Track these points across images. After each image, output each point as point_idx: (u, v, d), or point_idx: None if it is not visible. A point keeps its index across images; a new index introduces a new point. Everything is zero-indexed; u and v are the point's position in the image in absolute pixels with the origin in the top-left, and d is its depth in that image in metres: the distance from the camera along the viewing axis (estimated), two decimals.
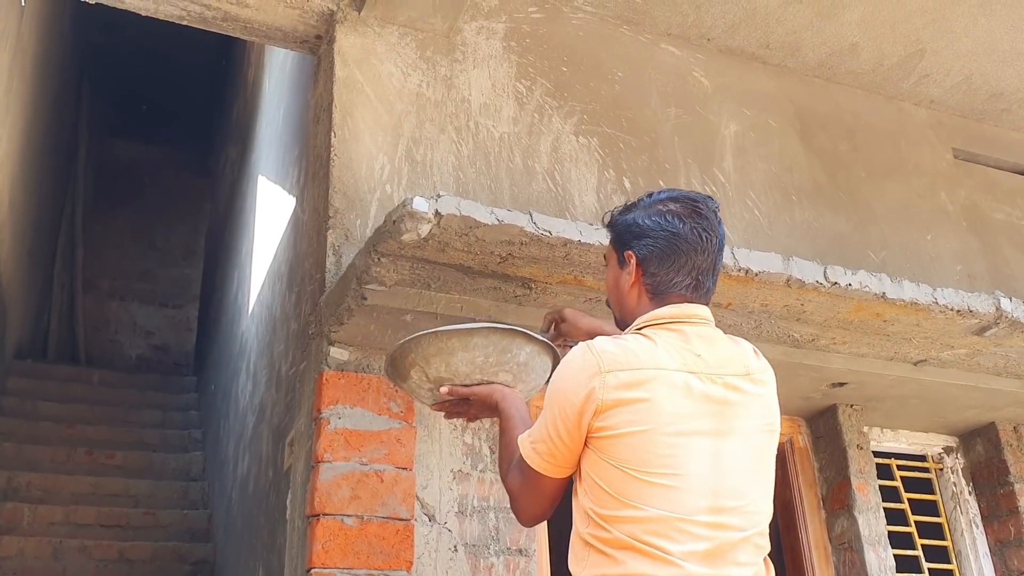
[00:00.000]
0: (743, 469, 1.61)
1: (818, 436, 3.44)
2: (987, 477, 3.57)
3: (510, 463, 1.75)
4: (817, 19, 3.52)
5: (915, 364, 3.09)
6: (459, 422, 2.68)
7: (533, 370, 2.02)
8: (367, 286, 2.38)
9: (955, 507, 3.56)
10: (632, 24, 3.53)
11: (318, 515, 2.38)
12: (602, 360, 1.60)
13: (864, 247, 3.56)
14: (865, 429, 3.40)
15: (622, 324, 1.82)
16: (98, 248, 10.01)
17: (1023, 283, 3.77)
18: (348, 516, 2.40)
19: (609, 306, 1.90)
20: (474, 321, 2.21)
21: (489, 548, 2.58)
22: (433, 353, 1.94)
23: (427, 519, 2.54)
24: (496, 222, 2.22)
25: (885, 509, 3.32)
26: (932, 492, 3.57)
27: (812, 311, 2.75)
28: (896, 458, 3.55)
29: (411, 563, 2.43)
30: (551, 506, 1.71)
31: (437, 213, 2.17)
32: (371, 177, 2.84)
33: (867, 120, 3.88)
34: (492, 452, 2.70)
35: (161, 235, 10.73)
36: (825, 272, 2.63)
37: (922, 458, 3.65)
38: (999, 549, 3.47)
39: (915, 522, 3.43)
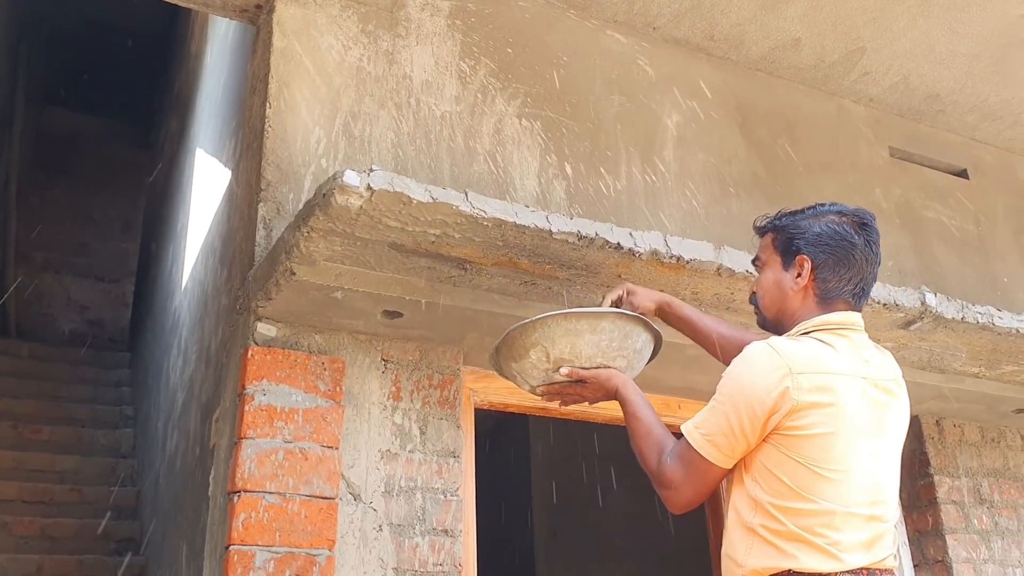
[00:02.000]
0: (891, 467, 1.79)
1: None
2: (910, 469, 3.65)
3: (658, 449, 1.81)
4: (761, 12, 3.55)
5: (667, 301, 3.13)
6: (389, 400, 2.66)
7: (643, 358, 2.12)
8: (296, 261, 2.34)
9: None
10: (579, 9, 3.52)
11: (239, 492, 2.34)
12: (792, 362, 1.70)
13: None
14: None
15: (773, 323, 1.93)
16: (33, 220, 9.73)
17: (952, 280, 3.86)
18: (270, 493, 2.37)
19: (755, 304, 1.99)
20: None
21: (415, 528, 2.57)
22: (561, 334, 1.99)
23: (352, 498, 2.51)
24: (430, 200, 2.20)
25: None
26: None
27: (743, 300, 2.78)
28: None
29: (333, 542, 2.41)
30: (711, 494, 1.80)
31: (369, 188, 2.14)
32: (306, 151, 2.79)
33: (807, 115, 3.92)
34: (422, 433, 2.69)
35: (99, 208, 10.48)
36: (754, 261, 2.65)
37: None
38: (917, 538, 3.55)
39: None
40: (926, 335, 3.00)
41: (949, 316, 2.90)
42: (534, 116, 3.24)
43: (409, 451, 2.64)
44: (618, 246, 2.45)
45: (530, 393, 2.18)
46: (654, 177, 3.42)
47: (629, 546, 6.48)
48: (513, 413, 3.59)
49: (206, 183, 4.42)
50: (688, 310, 2.27)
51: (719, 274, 2.63)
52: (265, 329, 2.56)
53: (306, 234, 2.26)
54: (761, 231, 2.02)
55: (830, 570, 1.62)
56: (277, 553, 2.32)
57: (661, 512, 6.55)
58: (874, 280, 1.93)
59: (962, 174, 4.26)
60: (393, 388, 2.69)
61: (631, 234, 2.48)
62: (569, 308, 2.04)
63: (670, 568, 6.21)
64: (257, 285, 2.53)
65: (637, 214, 3.29)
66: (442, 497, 2.63)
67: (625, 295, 2.27)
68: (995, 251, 4.13)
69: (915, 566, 3.54)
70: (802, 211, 1.95)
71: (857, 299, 1.89)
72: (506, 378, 2.20)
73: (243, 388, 2.47)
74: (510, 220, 2.28)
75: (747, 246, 3.26)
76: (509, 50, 3.30)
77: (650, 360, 2.21)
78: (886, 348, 3.09)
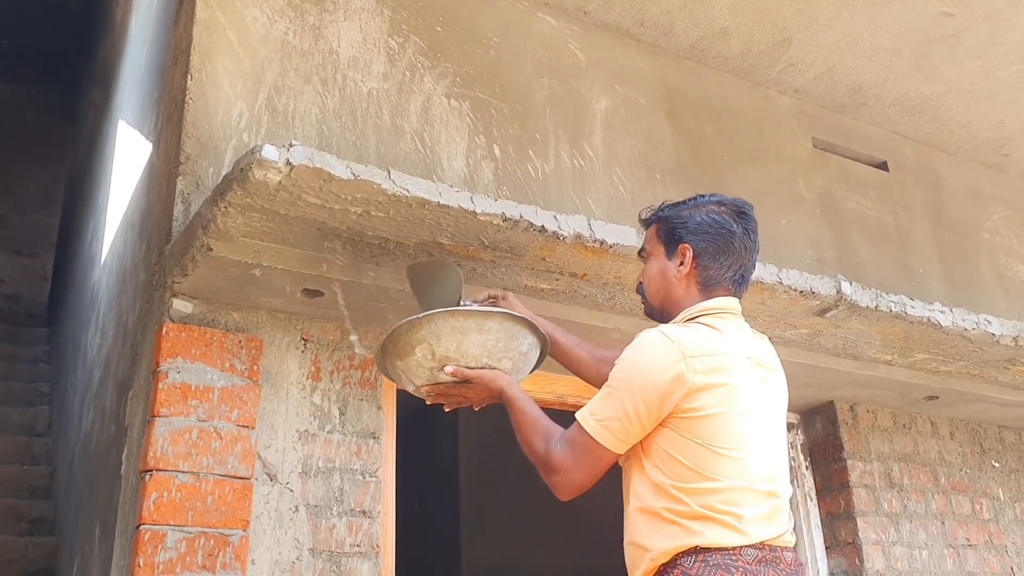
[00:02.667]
0: (780, 444, 1.86)
1: None
2: (823, 453, 3.75)
3: (545, 437, 1.85)
4: (691, 0, 3.58)
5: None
6: (308, 380, 2.63)
7: (529, 362, 2.12)
8: (213, 237, 2.29)
9: (793, 480, 3.73)
10: None
11: (151, 470, 2.29)
12: (684, 346, 1.76)
13: None
14: None
15: (659, 311, 1.99)
16: None
17: (869, 270, 3.96)
18: (183, 472, 2.32)
19: (642, 294, 2.04)
20: (467, 304, 2.15)
21: (332, 509, 2.55)
22: (447, 331, 1.98)
23: (268, 478, 2.48)
24: (351, 177, 2.17)
25: None
26: None
27: None
28: None
29: (248, 522, 2.37)
30: (600, 478, 1.83)
31: (288, 163, 2.10)
32: (227, 124, 2.73)
33: (733, 105, 3.97)
34: (341, 414, 2.66)
35: (18, 180, 10.11)
36: None
37: None
38: (829, 521, 3.65)
39: None
40: (841, 323, 3.07)
41: (863, 304, 2.97)
42: (463, 96, 3.22)
43: (328, 432, 2.62)
44: (542, 229, 2.45)
45: (414, 394, 2.16)
46: (582, 162, 3.44)
47: (555, 527, 6.54)
48: None
49: (128, 155, 4.30)
50: (551, 327, 2.27)
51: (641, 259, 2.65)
52: (181, 306, 2.51)
53: (223, 209, 2.22)
54: (646, 223, 2.07)
55: (736, 544, 1.67)
56: (189, 533, 2.28)
57: (585, 494, 6.59)
58: (753, 267, 1.99)
59: (882, 166, 4.36)
60: (312, 368, 2.66)
61: (555, 217, 2.48)
62: (455, 307, 2.03)
63: (596, 549, 6.28)
64: (173, 260, 2.47)
65: (565, 198, 3.30)
66: (361, 478, 2.61)
67: (500, 299, 2.28)
68: (912, 243, 4.25)
69: (827, 548, 3.64)
70: (683, 202, 2.01)
71: (737, 285, 1.96)
72: (391, 379, 2.17)
73: (157, 365, 2.42)
74: (434, 200, 2.27)
75: None
76: (439, 28, 3.27)
77: (536, 367, 2.21)
78: (802, 335, 3.18)
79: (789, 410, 3.77)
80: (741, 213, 1.98)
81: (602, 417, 1.78)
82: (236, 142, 2.72)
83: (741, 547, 1.67)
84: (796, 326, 3.11)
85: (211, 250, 2.31)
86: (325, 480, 2.57)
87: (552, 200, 3.24)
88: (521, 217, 2.39)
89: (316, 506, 2.53)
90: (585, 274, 2.71)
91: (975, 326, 3.19)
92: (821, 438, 3.74)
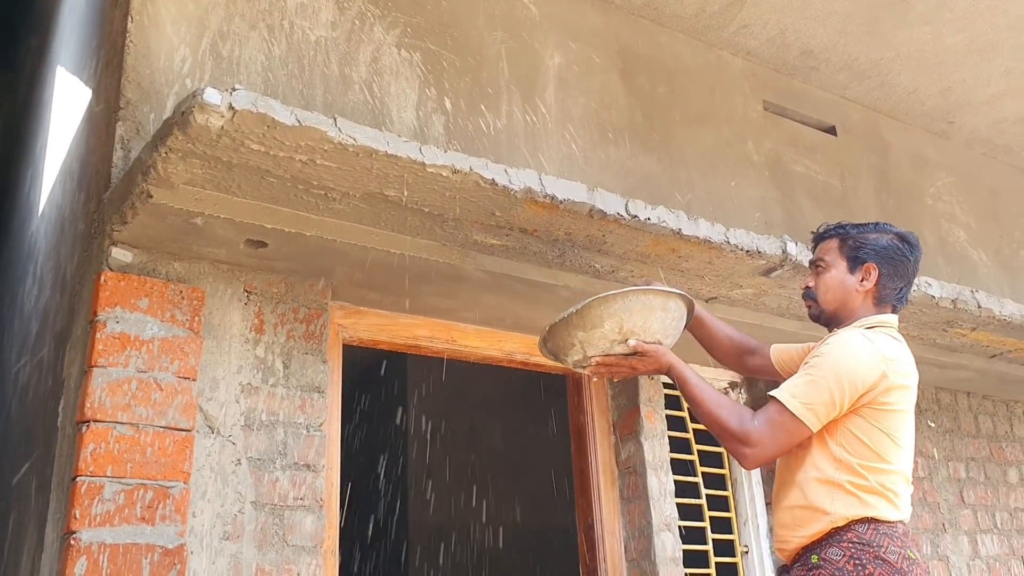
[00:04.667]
0: (913, 445, 2.15)
1: None
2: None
3: (737, 414, 2.06)
4: None
5: (707, 301, 3.23)
6: (252, 333, 2.60)
7: (680, 336, 2.32)
8: (153, 183, 2.23)
9: None
10: None
11: (88, 422, 2.24)
12: (883, 350, 2.06)
13: (672, 188, 3.67)
14: None
15: (829, 316, 2.26)
16: None
17: None
18: (122, 424, 2.28)
19: (812, 298, 2.30)
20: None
21: (275, 463, 2.53)
22: (639, 308, 2.16)
23: (210, 431, 2.45)
24: (296, 123, 2.12)
25: (671, 437, 3.49)
26: None
27: (613, 243, 2.81)
28: None
29: (189, 475, 2.34)
30: (786, 452, 2.09)
31: (231, 108, 2.05)
32: (169, 69, 2.65)
33: (686, 65, 3.97)
34: (286, 367, 2.63)
35: None
36: (627, 205, 2.68)
37: None
38: (769, 478, 3.72)
39: (698, 451, 3.61)
40: (786, 282, 3.11)
41: (808, 264, 3.00)
42: (414, 47, 3.16)
43: (271, 385, 2.59)
44: (493, 183, 2.43)
45: (574, 365, 2.29)
46: (535, 118, 3.41)
47: (500, 487, 6.59)
48: (392, 353, 3.56)
49: (67, 103, 4.16)
50: (705, 313, 2.55)
51: (591, 216, 2.64)
52: (120, 254, 2.44)
53: (164, 154, 2.15)
54: (823, 236, 2.34)
55: (896, 518, 2.00)
56: (128, 485, 2.24)
57: (531, 452, 6.63)
58: (910, 289, 2.29)
59: (831, 131, 4.40)
60: (256, 320, 2.62)
61: (506, 171, 2.46)
62: (646, 287, 2.24)
63: (539, 509, 6.34)
64: (112, 208, 2.41)
65: (516, 154, 3.27)
66: (305, 432, 2.59)
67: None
68: (857, 206, 4.30)
69: (767, 504, 3.71)
70: (866, 225, 2.29)
71: (899, 303, 2.26)
72: (553, 354, 2.30)
73: (95, 315, 2.36)
74: (381, 149, 2.22)
75: (625, 193, 3.31)
76: None
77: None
78: (747, 294, 3.22)
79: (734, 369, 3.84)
80: (914, 245, 2.27)
81: (807, 401, 2.01)
82: (179, 88, 2.64)
83: (898, 521, 2.00)
84: (742, 286, 3.14)
85: (151, 197, 2.25)
86: (268, 433, 2.54)
87: (504, 156, 3.21)
88: (471, 170, 2.36)
89: (259, 459, 2.50)
90: (535, 230, 2.70)
91: (916, 288, 3.25)
92: (763, 397, 3.78)
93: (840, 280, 2.24)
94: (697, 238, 2.80)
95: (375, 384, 7.10)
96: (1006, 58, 4.26)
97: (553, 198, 2.55)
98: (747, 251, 2.89)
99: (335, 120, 2.18)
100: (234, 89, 2.06)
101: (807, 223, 4.04)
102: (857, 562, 1.92)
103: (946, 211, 4.77)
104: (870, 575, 1.90)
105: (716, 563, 3.50)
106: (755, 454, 2.02)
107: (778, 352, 2.48)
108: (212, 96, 2.02)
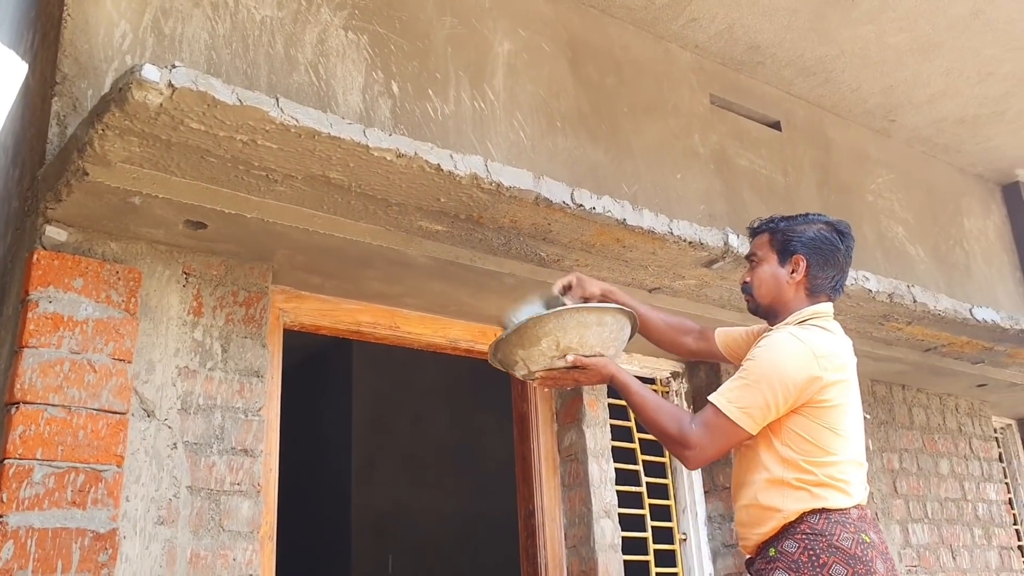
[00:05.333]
0: (862, 425, 2.21)
1: None
2: (705, 400, 3.84)
3: (677, 419, 2.13)
4: None
5: (650, 291, 3.26)
6: (190, 316, 2.56)
7: (625, 344, 2.39)
8: (89, 161, 2.18)
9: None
10: None
11: (18, 403, 2.19)
12: (813, 347, 2.09)
13: (619, 179, 3.69)
14: None
15: (766, 310, 2.29)
16: None
17: None
18: (53, 406, 2.23)
19: (748, 292, 2.33)
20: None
21: (212, 447, 2.49)
22: (573, 325, 2.23)
23: (145, 414, 2.40)
24: (237, 103, 2.09)
25: (613, 426, 3.51)
26: None
27: (558, 232, 2.82)
28: None
29: (122, 458, 2.30)
30: (726, 454, 2.19)
31: (171, 85, 2.01)
32: (109, 45, 2.59)
33: (635, 56, 3.99)
34: (224, 351, 2.60)
35: None
36: (572, 194, 2.69)
37: (652, 380, 3.88)
38: (708, 466, 3.76)
39: (639, 439, 3.65)
40: (727, 274, 3.14)
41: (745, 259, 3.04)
42: (361, 30, 3.13)
43: (209, 369, 2.55)
44: (438, 168, 2.42)
45: (524, 378, 2.37)
46: (483, 105, 3.40)
47: (444, 474, 6.59)
48: (338, 339, 3.52)
49: (2, 78, 4.04)
50: (626, 298, 2.54)
51: (537, 204, 2.65)
52: (54, 233, 2.38)
53: (100, 131, 2.10)
54: (756, 231, 2.37)
55: (847, 505, 2.06)
56: (58, 468, 2.19)
57: (477, 440, 6.62)
58: (846, 279, 2.32)
59: (775, 126, 4.46)
60: (195, 303, 2.58)
61: (451, 156, 2.45)
62: (578, 304, 2.31)
63: (482, 496, 6.36)
64: (47, 185, 2.34)
65: (464, 140, 3.26)
66: (243, 417, 2.56)
67: (575, 281, 2.51)
68: (800, 201, 4.37)
69: (705, 492, 3.76)
70: (795, 217, 2.32)
71: (834, 292, 2.28)
72: (503, 366, 2.39)
73: (27, 294, 2.30)
74: (324, 131, 2.20)
75: (569, 180, 3.32)
76: None
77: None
78: (689, 285, 3.25)
79: (674, 359, 3.88)
80: (844, 233, 2.29)
81: (742, 405, 2.06)
82: (118, 64, 2.58)
83: (849, 508, 2.06)
84: (685, 277, 3.18)
85: (87, 175, 2.20)
86: (206, 417, 2.50)
87: (451, 142, 3.19)
88: (416, 154, 2.35)
89: (196, 443, 2.47)
90: (480, 217, 2.69)
91: (854, 282, 3.31)
92: (704, 386, 3.84)
93: (772, 273, 2.28)
94: (641, 228, 2.82)
95: (320, 370, 7.04)
96: (946, 59, 4.36)
97: (499, 185, 2.54)
98: (690, 242, 2.92)
99: (277, 100, 2.15)
100: (174, 66, 2.02)
101: (750, 216, 4.07)
102: (811, 552, 2.00)
103: (886, 207, 4.87)
104: (824, 563, 1.98)
105: (655, 550, 3.54)
106: (695, 456, 2.11)
107: (723, 335, 2.52)
108: (151, 73, 1.98)
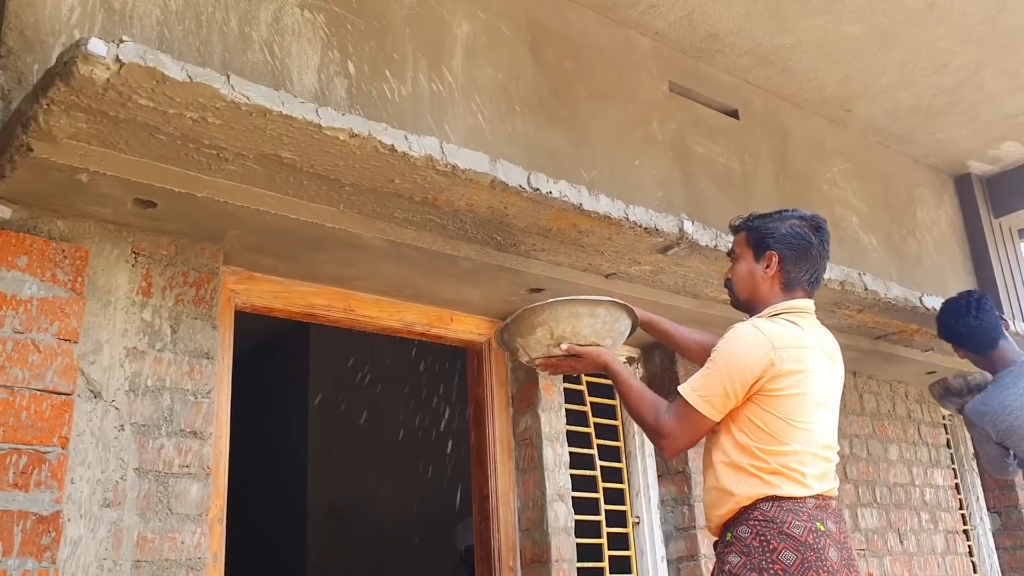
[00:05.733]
0: (835, 420, 2.30)
1: None
2: (660, 386, 3.87)
3: (654, 409, 2.25)
4: None
5: (606, 276, 3.27)
6: (139, 296, 2.52)
7: (623, 337, 2.52)
8: (34, 136, 2.13)
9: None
10: None
11: None
12: (773, 338, 2.17)
13: (577, 165, 3.69)
14: None
15: (745, 304, 2.40)
16: None
17: (713, 214, 4.08)
18: None
19: (729, 288, 2.46)
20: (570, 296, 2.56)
21: (161, 429, 2.46)
22: (565, 316, 2.37)
23: (92, 395, 2.36)
24: (187, 79, 2.05)
25: (569, 411, 3.53)
26: (613, 397, 3.83)
27: (515, 215, 2.81)
28: None
29: (67, 440, 2.26)
30: (699, 441, 2.26)
31: (118, 60, 1.96)
32: (56, 19, 2.53)
33: (594, 42, 3.98)
34: (174, 332, 2.56)
35: None
36: (529, 178, 2.68)
37: None
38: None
39: (595, 423, 3.67)
40: (682, 260, 3.16)
41: (703, 243, 3.07)
42: (318, 8, 3.09)
43: (158, 350, 2.51)
44: (392, 149, 2.39)
45: (527, 364, 2.56)
46: (441, 87, 3.38)
47: (403, 460, 6.57)
48: (296, 324, 3.49)
49: None
50: (667, 324, 2.75)
51: (493, 187, 2.63)
52: None
53: (45, 107, 2.06)
54: (735, 230, 2.46)
55: (801, 494, 2.12)
56: (0, 449, 2.15)
57: (434, 425, 6.63)
58: (824, 272, 2.40)
59: (733, 114, 4.49)
60: (144, 283, 2.54)
61: (406, 137, 2.43)
62: (572, 296, 2.44)
63: (442, 482, 6.36)
64: None
65: (421, 122, 3.24)
66: (192, 399, 2.53)
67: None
68: (756, 190, 4.41)
69: (658, 476, 3.80)
70: (770, 215, 2.41)
71: (811, 287, 2.36)
72: (509, 351, 2.59)
73: None
74: (276, 109, 2.17)
75: (527, 164, 3.31)
76: None
77: (628, 338, 2.65)
78: (645, 271, 3.27)
79: (629, 344, 3.91)
80: (818, 228, 2.37)
81: (704, 394, 2.17)
82: (65, 38, 2.53)
83: (805, 497, 2.12)
84: (640, 262, 3.19)
85: (32, 151, 2.15)
86: (154, 399, 2.47)
87: (408, 124, 3.17)
88: (370, 134, 2.32)
89: (144, 425, 2.43)
90: (436, 199, 2.67)
91: None
92: (659, 372, 3.87)
93: (748, 270, 2.38)
94: (597, 213, 2.82)
95: (278, 354, 6.98)
96: (902, 49, 4.42)
97: (454, 167, 2.53)
98: (646, 228, 2.93)
99: (228, 77, 2.11)
100: (121, 41, 1.98)
101: (707, 204, 4.13)
102: (763, 538, 2.08)
103: (840, 196, 4.93)
104: (774, 549, 2.06)
105: (608, 533, 3.56)
106: (669, 444, 2.23)
107: None
108: (97, 47, 1.94)
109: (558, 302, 2.39)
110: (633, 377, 2.40)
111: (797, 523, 2.09)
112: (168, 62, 2.02)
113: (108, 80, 1.99)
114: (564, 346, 2.41)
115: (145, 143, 2.25)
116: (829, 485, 2.22)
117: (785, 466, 2.13)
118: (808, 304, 2.35)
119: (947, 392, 3.83)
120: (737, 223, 2.48)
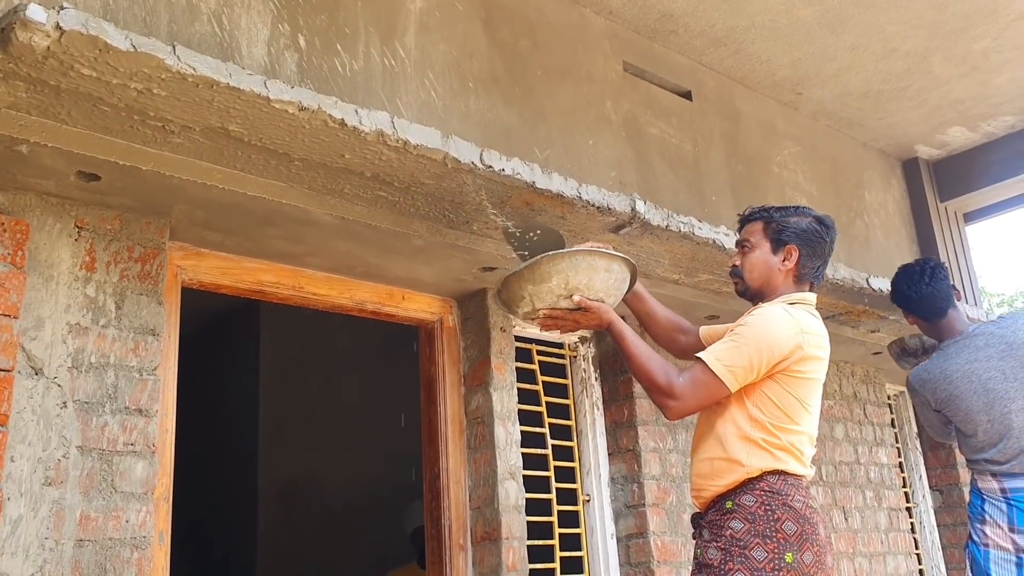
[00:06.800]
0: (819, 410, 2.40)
1: (467, 317, 3.57)
2: (611, 366, 3.91)
3: (665, 370, 2.28)
4: None
5: None
6: (82, 271, 2.47)
7: (620, 300, 2.52)
8: None
9: (582, 391, 3.88)
10: None
11: None
12: (801, 323, 2.27)
13: (531, 143, 3.68)
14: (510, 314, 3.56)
15: (754, 292, 2.46)
16: None
17: (666, 194, 4.11)
18: None
19: (738, 275, 2.50)
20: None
21: (105, 407, 2.42)
22: (584, 267, 2.35)
23: (33, 372, 2.31)
24: (131, 48, 2.00)
25: (521, 390, 3.53)
26: (565, 376, 3.84)
27: (467, 193, 2.80)
28: (537, 344, 3.77)
29: (7, 416, 2.21)
30: (704, 408, 2.33)
31: (59, 27, 1.91)
32: None
33: (550, 20, 3.97)
34: (118, 308, 2.51)
35: None
36: (482, 155, 2.67)
37: (560, 345, 3.92)
38: (613, 429, 3.84)
39: (546, 402, 3.68)
40: (634, 240, 3.18)
41: (655, 223, 3.08)
42: None
43: (102, 326, 2.46)
44: (342, 123, 2.36)
45: (524, 317, 2.49)
46: (394, 62, 3.34)
47: (353, 440, 6.55)
48: (246, 302, 3.45)
49: None
50: (650, 297, 2.78)
51: (446, 164, 2.62)
52: None
53: None
54: (749, 219, 2.53)
55: (802, 473, 2.26)
56: None
57: (387, 405, 6.57)
58: (826, 267, 2.50)
59: (686, 96, 4.51)
60: (87, 258, 2.48)
61: (356, 111, 2.40)
62: (591, 246, 2.43)
63: (394, 462, 6.34)
64: None
65: (373, 98, 3.20)
66: (137, 376, 2.48)
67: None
68: (707, 171, 4.44)
69: (609, 454, 3.82)
70: (787, 208, 2.50)
71: (816, 280, 2.48)
72: (506, 304, 2.51)
73: None
74: (223, 81, 2.13)
75: (481, 142, 3.29)
76: None
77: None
78: None
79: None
80: (829, 227, 2.48)
81: (729, 364, 2.23)
82: (4, 4, 2.44)
83: (803, 475, 2.25)
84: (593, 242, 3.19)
85: None
86: (98, 376, 2.42)
87: (360, 99, 3.13)
88: (319, 108, 2.29)
89: (87, 403, 2.39)
90: (387, 176, 2.65)
91: None
92: (611, 351, 3.89)
93: (764, 260, 2.45)
94: (550, 192, 2.82)
95: (228, 333, 6.90)
96: (853, 34, 4.46)
97: (406, 143, 2.51)
98: (598, 207, 2.94)
99: (174, 47, 2.07)
100: (62, 7, 1.93)
101: (660, 185, 4.15)
102: (767, 508, 2.17)
103: (791, 179, 4.99)
104: (778, 519, 2.15)
105: (558, 511, 3.58)
106: (677, 406, 2.27)
107: (706, 332, 2.66)
108: (36, 13, 1.88)
109: (580, 251, 2.36)
110: (638, 336, 2.42)
111: (798, 497, 2.20)
112: (111, 31, 1.97)
113: (48, 48, 1.94)
114: (576, 297, 2.36)
115: (88, 114, 2.20)
116: (813, 468, 2.36)
117: (792, 444, 2.24)
118: (815, 298, 2.46)
119: (904, 352, 3.92)
120: (751, 213, 2.54)
